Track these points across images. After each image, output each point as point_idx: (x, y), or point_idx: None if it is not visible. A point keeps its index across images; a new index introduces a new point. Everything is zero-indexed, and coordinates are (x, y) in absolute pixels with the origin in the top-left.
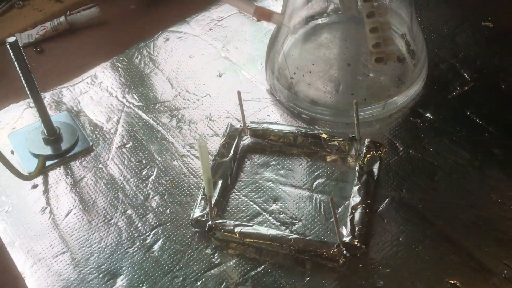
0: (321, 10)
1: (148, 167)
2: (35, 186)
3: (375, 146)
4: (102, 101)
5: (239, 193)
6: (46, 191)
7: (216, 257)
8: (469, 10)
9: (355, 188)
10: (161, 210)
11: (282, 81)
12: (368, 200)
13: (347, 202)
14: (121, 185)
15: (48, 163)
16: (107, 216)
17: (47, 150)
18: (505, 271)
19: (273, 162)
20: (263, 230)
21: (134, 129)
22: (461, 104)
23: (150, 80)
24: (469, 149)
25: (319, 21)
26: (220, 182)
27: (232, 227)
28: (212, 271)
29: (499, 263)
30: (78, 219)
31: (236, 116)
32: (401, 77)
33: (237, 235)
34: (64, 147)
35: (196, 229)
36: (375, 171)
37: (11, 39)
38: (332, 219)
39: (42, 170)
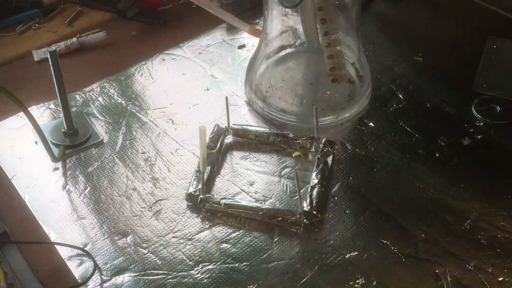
0: (290, 42)
1: (149, 157)
2: (56, 169)
3: (330, 144)
4: (109, 106)
5: (223, 178)
6: (65, 173)
7: (205, 223)
8: (405, 47)
9: (314, 174)
10: (161, 188)
11: (258, 95)
12: (323, 182)
13: (307, 185)
14: (128, 169)
15: (66, 151)
16: (117, 192)
17: (66, 141)
18: (422, 235)
19: (251, 156)
20: (243, 202)
21: (137, 128)
22: (396, 117)
23: (149, 91)
24: (400, 149)
25: (289, 50)
26: (208, 168)
27: (219, 200)
28: (202, 233)
29: (418, 229)
30: (93, 193)
31: (220, 121)
32: (351, 95)
33: (223, 205)
34: (79, 140)
35: (189, 203)
36: (329, 162)
37: (51, 48)
38: (296, 197)
39: (63, 157)
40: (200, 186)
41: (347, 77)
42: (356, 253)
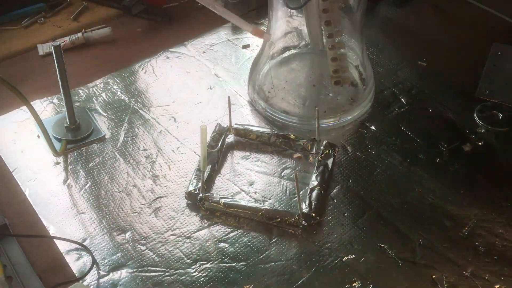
0: (294, 43)
1: (150, 154)
2: (57, 163)
3: (331, 146)
4: (112, 102)
5: (223, 177)
6: (66, 167)
7: (203, 222)
8: (409, 52)
9: (314, 176)
10: (161, 186)
11: (261, 95)
12: (323, 184)
13: (307, 187)
14: (129, 166)
15: (68, 146)
16: (117, 188)
17: (68, 136)
18: (420, 240)
19: (251, 156)
20: (242, 202)
21: (139, 125)
22: (398, 121)
23: (153, 88)
24: (401, 154)
25: (292, 51)
26: (209, 167)
27: (218, 199)
28: (201, 232)
29: (416, 234)
30: (93, 188)
31: (222, 120)
32: (353, 98)
33: (222, 204)
34: (81, 135)
35: (188, 201)
36: (330, 164)
37: (55, 43)
38: (295, 198)
39: (65, 151)
40: (200, 185)
41: (350, 79)
42: (353, 256)
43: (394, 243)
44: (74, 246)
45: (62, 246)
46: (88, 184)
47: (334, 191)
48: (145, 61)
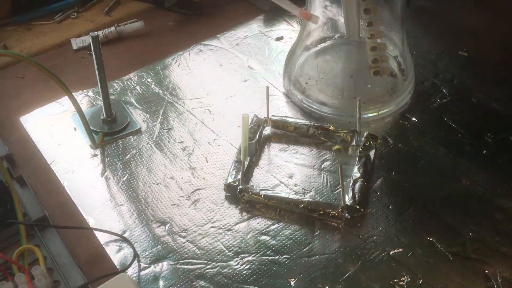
0: (330, 34)
1: (187, 146)
2: (94, 155)
3: (372, 138)
4: (147, 95)
5: (262, 169)
6: (103, 160)
7: (243, 214)
8: (449, 41)
9: (356, 167)
10: (199, 178)
11: (297, 86)
12: (366, 176)
13: (348, 179)
14: (166, 158)
15: (105, 138)
16: (155, 180)
17: (105, 128)
18: (470, 233)
19: (289, 148)
20: (283, 194)
21: (174, 117)
22: (440, 112)
23: (187, 81)
24: (445, 146)
25: (328, 42)
26: (248, 159)
27: (258, 191)
28: (241, 224)
29: (465, 227)
30: (132, 181)
31: (258, 112)
32: (393, 89)
33: (262, 196)
34: (118, 128)
35: (227, 194)
36: (371, 156)
37: (93, 33)
38: (338, 189)
39: (102, 143)
40: (239, 177)
41: (389, 70)
42: (400, 250)
43: (443, 237)
44: (114, 238)
45: (102, 238)
46: (125, 176)
47: (377, 184)
48: (178, 54)
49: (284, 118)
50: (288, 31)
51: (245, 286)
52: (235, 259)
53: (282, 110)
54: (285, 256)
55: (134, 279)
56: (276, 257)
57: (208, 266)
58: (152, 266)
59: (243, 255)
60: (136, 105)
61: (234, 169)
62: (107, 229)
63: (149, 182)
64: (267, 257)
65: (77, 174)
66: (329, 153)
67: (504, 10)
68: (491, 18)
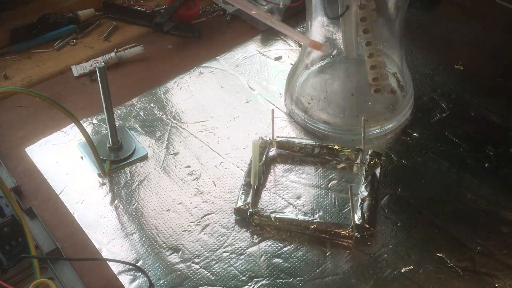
0: (328, 53)
1: (194, 170)
2: (103, 184)
3: (377, 155)
4: (150, 120)
5: (269, 191)
6: (112, 188)
7: (255, 238)
8: (444, 56)
9: (363, 186)
10: (208, 202)
11: (299, 106)
12: (373, 194)
13: (356, 197)
14: (174, 184)
15: (112, 166)
16: (164, 206)
17: (111, 156)
18: (478, 247)
19: (295, 168)
20: (293, 216)
21: (179, 142)
22: (441, 127)
23: (189, 104)
24: (448, 160)
25: (327, 60)
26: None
27: (268, 213)
28: (253, 248)
29: (473, 242)
30: (141, 208)
31: (262, 133)
32: (394, 105)
33: (273, 219)
34: (124, 155)
35: (237, 217)
36: (378, 174)
37: (100, 64)
38: (346, 208)
39: (109, 172)
40: (249, 200)
41: (390, 87)
42: (411, 267)
43: (452, 252)
44: (128, 267)
45: (115, 268)
46: (135, 204)
47: (383, 201)
48: (179, 77)
49: (289, 139)
50: (286, 50)
51: None
52: (250, 284)
53: (285, 130)
54: (298, 278)
55: None
56: (290, 280)
57: None
58: None
59: (257, 279)
60: (141, 130)
61: (243, 192)
62: (120, 259)
63: (158, 209)
64: (281, 280)
65: (86, 204)
66: (334, 172)
67: (495, 22)
68: (483, 31)
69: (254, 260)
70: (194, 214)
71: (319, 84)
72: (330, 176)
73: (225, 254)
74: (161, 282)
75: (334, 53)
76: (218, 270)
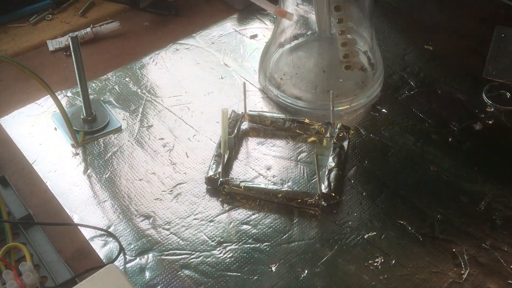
0: (303, 31)
1: (167, 142)
2: (76, 154)
3: (345, 129)
4: (125, 94)
5: (241, 162)
6: (85, 158)
7: (225, 206)
8: (414, 36)
9: (331, 158)
10: (180, 173)
11: (272, 82)
12: (340, 165)
13: (324, 169)
14: (147, 155)
15: (86, 137)
16: (137, 176)
17: (85, 128)
18: (438, 216)
19: (267, 141)
20: (262, 185)
21: (154, 115)
22: (408, 103)
23: (164, 79)
24: (414, 134)
25: (301, 39)
26: (227, 153)
27: (238, 183)
28: (222, 215)
29: (433, 210)
30: (114, 178)
31: (236, 108)
32: (364, 82)
33: (242, 188)
34: (98, 126)
35: (208, 187)
36: (345, 146)
37: (73, 34)
38: (314, 179)
39: (83, 142)
40: (219, 170)
41: (360, 64)
42: (374, 233)
43: (413, 220)
44: (99, 233)
45: (87, 233)
46: (108, 174)
47: (350, 172)
48: (155, 53)
49: (261, 112)
50: (262, 29)
51: (229, 273)
52: (218, 249)
53: (259, 105)
54: (265, 243)
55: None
56: (257, 245)
57: (192, 256)
58: (138, 258)
59: (225, 244)
60: (116, 104)
61: (214, 162)
62: (91, 225)
63: (131, 178)
64: (249, 245)
65: (59, 173)
66: (304, 145)
67: (467, 5)
68: (454, 14)
69: (224, 227)
70: (166, 184)
71: (292, 61)
72: (300, 149)
73: (195, 221)
74: (131, 247)
75: (309, 32)
76: (188, 236)
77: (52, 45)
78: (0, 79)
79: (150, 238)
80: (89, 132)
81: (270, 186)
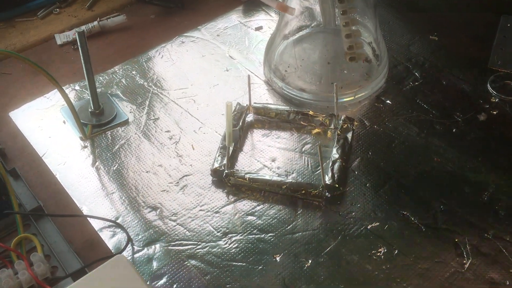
0: (308, 23)
1: (173, 135)
2: (84, 147)
3: (349, 120)
4: (132, 87)
5: (246, 154)
6: (93, 151)
7: (230, 197)
8: (420, 26)
9: (335, 149)
10: (186, 165)
11: (277, 74)
12: (344, 157)
13: (328, 160)
14: (153, 147)
15: (94, 130)
16: (144, 168)
17: (93, 121)
18: (441, 206)
19: (271, 133)
20: (267, 176)
21: (160, 108)
22: (413, 94)
23: (171, 72)
24: (418, 126)
25: (306, 30)
26: (232, 145)
27: (243, 174)
28: (228, 206)
29: (437, 201)
30: (122, 170)
31: (241, 100)
32: (368, 73)
33: (247, 179)
34: (106, 119)
35: (214, 178)
36: (349, 138)
37: (79, 29)
38: (318, 170)
39: (91, 135)
40: (225, 162)
41: (364, 55)
42: (377, 223)
43: (416, 210)
44: (108, 224)
45: (96, 224)
46: (116, 166)
47: (354, 163)
48: (161, 46)
49: (265, 105)
50: (267, 21)
51: (234, 263)
52: (224, 239)
53: (264, 97)
54: (270, 234)
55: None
56: (262, 236)
57: (198, 247)
58: (145, 248)
59: (230, 235)
60: (122, 97)
61: (219, 155)
62: (100, 216)
63: (138, 171)
64: (253, 235)
65: (68, 166)
66: (309, 137)
67: None
68: (459, 4)
69: (229, 218)
70: (173, 176)
71: (297, 53)
72: (304, 141)
73: (201, 212)
74: (139, 237)
75: (313, 24)
76: (194, 227)
77: (60, 39)
78: (10, 73)
79: (157, 229)
80: (97, 125)
81: (275, 178)
